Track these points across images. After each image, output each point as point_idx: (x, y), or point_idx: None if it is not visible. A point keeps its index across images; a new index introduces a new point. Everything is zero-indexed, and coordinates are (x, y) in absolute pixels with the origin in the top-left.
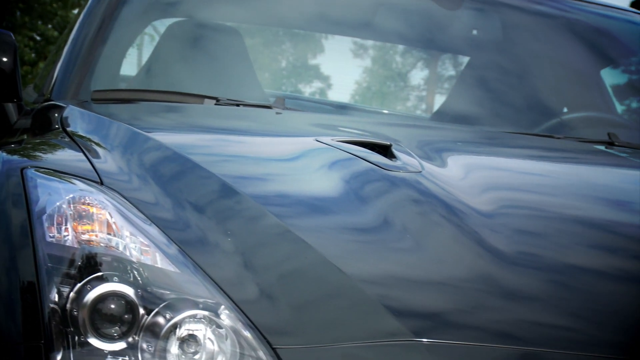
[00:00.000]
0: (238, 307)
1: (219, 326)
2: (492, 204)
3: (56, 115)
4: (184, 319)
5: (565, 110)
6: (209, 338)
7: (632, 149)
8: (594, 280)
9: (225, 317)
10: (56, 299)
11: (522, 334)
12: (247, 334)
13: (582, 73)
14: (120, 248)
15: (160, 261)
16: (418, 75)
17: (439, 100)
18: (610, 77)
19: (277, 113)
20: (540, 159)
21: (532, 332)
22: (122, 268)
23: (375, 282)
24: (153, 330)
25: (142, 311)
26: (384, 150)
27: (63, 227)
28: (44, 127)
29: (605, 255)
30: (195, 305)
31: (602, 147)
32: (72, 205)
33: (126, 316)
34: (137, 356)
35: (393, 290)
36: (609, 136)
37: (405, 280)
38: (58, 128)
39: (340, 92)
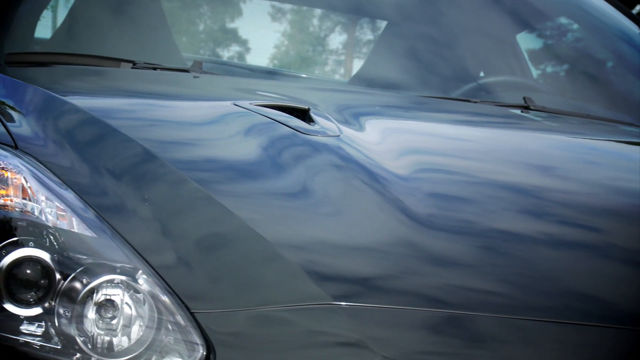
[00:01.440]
0: (156, 272)
1: (136, 291)
2: (410, 168)
3: None
4: (101, 283)
5: (481, 74)
6: (126, 303)
7: (546, 113)
8: (519, 244)
9: (143, 282)
10: None
11: (447, 297)
12: (165, 298)
13: (498, 38)
14: (36, 213)
15: (76, 226)
16: (336, 40)
17: (357, 65)
18: (525, 41)
19: (195, 77)
20: (457, 123)
21: (458, 296)
22: (38, 233)
23: (296, 248)
24: (70, 296)
25: (58, 276)
26: (302, 114)
27: None
28: None
29: (530, 219)
30: (113, 270)
31: (517, 111)
32: None
33: (42, 281)
34: (54, 321)
35: (314, 255)
36: (525, 100)
37: (326, 246)
38: None
39: (259, 56)
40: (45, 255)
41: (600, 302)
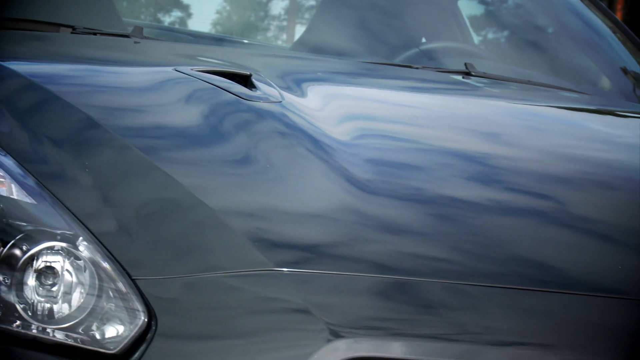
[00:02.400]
0: (97, 239)
1: (77, 258)
2: (354, 134)
3: None
4: (41, 250)
5: (423, 40)
6: (67, 270)
7: (488, 78)
8: (467, 211)
9: (84, 248)
10: None
11: (395, 264)
12: (106, 265)
13: (439, 4)
14: None
15: (16, 193)
16: (278, 5)
17: (299, 31)
18: (467, 8)
19: (136, 42)
20: (400, 89)
21: (405, 263)
22: None
23: (239, 215)
24: (9, 263)
25: None
26: (244, 80)
27: None
28: None
29: (478, 186)
30: (53, 237)
31: (459, 77)
32: None
33: None
34: None
35: (257, 222)
36: (466, 66)
37: (270, 213)
38: None
39: (200, 22)
40: None
41: (548, 268)
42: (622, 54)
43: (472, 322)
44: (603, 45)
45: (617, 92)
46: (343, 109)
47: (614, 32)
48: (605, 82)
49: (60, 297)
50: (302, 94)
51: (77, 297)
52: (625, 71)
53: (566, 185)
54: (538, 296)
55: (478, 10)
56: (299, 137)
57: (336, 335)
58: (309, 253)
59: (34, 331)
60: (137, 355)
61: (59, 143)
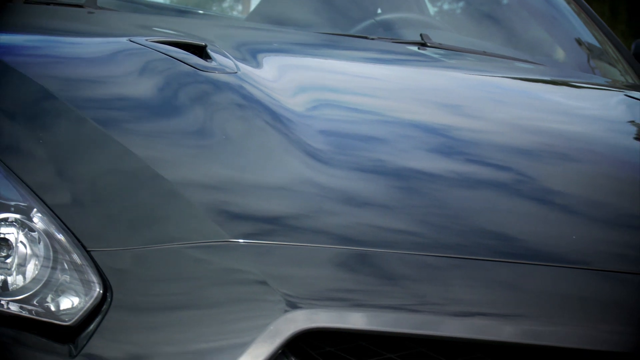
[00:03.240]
0: (51, 211)
1: (31, 230)
2: (310, 105)
3: None
4: None
5: (379, 11)
6: (21, 242)
7: (443, 49)
8: (429, 183)
9: (38, 220)
10: None
11: (355, 235)
12: (60, 237)
13: None
14: None
15: None
16: None
17: (254, 2)
18: None
19: (89, 12)
20: (356, 59)
21: (366, 234)
22: None
23: (195, 187)
24: None
25: None
26: (199, 50)
27: None
28: None
29: (440, 158)
30: (7, 209)
31: (414, 48)
32: None
33: None
34: None
35: (214, 194)
36: (422, 37)
37: (227, 185)
38: None
39: None
40: None
41: (510, 239)
42: (576, 25)
43: (433, 293)
44: (557, 16)
45: (571, 63)
46: (299, 80)
47: (568, 3)
48: (559, 53)
49: (15, 269)
50: (258, 65)
51: (31, 269)
52: (579, 42)
53: (528, 157)
54: (500, 267)
55: None
56: (257, 108)
57: (294, 306)
58: (268, 225)
59: None
60: (92, 327)
61: (13, 115)
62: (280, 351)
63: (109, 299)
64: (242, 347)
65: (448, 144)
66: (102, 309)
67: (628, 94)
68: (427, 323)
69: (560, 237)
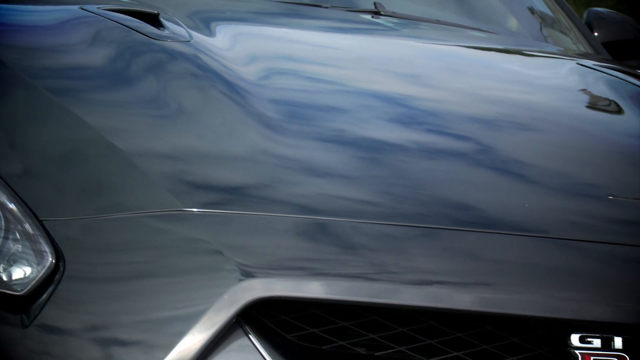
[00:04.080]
0: (3, 180)
1: None
2: (263, 74)
3: None
4: None
5: None
6: None
7: (397, 18)
8: (390, 153)
9: None
10: None
11: (314, 204)
12: (12, 206)
13: None
14: None
15: None
16: None
17: None
18: None
19: None
20: (309, 28)
21: (325, 204)
22: None
23: (150, 157)
24: None
25: None
26: (152, 19)
27: None
28: None
29: (400, 128)
30: None
31: (368, 17)
32: None
33: None
34: None
35: (169, 164)
36: (375, 5)
37: (183, 155)
38: None
39: None
40: None
41: (469, 208)
42: None
43: (392, 261)
44: None
45: (524, 31)
46: (252, 48)
47: None
48: (512, 22)
49: None
50: (211, 34)
51: None
52: (532, 11)
53: (486, 126)
54: (458, 236)
55: None
56: (211, 78)
57: (250, 275)
58: (223, 194)
59: None
60: (44, 296)
61: None
62: (234, 320)
63: (62, 269)
64: (197, 315)
65: (407, 113)
66: (55, 278)
67: (580, 62)
68: (384, 291)
69: (519, 206)
